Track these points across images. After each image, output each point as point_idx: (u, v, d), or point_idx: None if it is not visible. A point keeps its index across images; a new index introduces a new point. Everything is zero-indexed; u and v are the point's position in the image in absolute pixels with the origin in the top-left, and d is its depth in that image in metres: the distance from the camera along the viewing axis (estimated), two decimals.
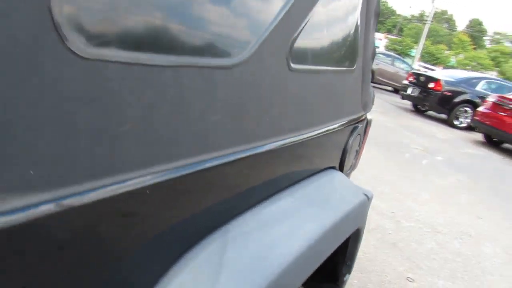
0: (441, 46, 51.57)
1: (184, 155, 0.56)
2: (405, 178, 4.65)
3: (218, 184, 0.67)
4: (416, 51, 33.02)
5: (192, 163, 0.57)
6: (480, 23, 66.78)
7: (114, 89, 0.44)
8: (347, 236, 1.02)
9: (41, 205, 0.38)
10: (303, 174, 0.98)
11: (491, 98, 8.02)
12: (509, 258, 3.18)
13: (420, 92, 9.88)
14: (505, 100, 7.63)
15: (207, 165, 0.60)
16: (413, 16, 65.36)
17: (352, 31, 1.07)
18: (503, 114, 7.47)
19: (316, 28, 0.86)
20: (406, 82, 10.65)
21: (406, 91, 10.45)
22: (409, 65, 16.24)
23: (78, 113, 0.41)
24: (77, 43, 0.38)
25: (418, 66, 21.47)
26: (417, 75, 10.40)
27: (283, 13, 0.71)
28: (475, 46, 57.68)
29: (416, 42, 38.47)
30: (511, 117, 7.28)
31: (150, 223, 0.55)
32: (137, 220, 0.53)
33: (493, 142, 8.41)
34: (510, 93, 8.65)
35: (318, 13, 0.84)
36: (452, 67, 36.89)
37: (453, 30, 64.49)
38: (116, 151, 0.46)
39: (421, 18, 59.52)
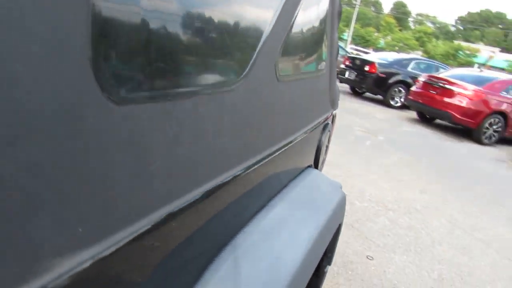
0: (370, 28, 53.90)
1: (202, 181, 0.57)
2: (353, 159, 4.87)
3: (224, 202, 0.68)
4: (348, 35, 34.27)
5: (209, 188, 0.58)
6: (404, 5, 70.56)
7: (146, 129, 0.45)
8: (334, 232, 1.08)
9: (90, 260, 0.38)
10: (288, 177, 1.01)
11: (422, 78, 8.56)
12: (452, 227, 3.46)
13: (356, 75, 10.29)
14: (434, 79, 8.19)
15: (217, 184, 0.62)
16: (342, 0, 67.52)
17: (322, 34, 1.10)
18: (433, 92, 8.02)
19: (295, 37, 0.89)
20: (343, 66, 11.04)
21: (344, 75, 10.84)
22: (344, 49, 16.77)
23: (117, 160, 0.41)
24: (114, 92, 0.39)
25: (350, 49, 22.26)
26: (353, 59, 10.82)
27: (270, 28, 0.73)
28: (400, 28, 60.91)
29: (347, 25, 39.89)
30: (441, 95, 7.83)
31: (165, 252, 0.55)
32: (155, 252, 0.53)
33: (426, 118, 9.00)
34: (438, 72, 9.29)
35: (296, 24, 0.86)
36: (382, 49, 38.70)
37: (380, 13, 67.56)
38: (149, 191, 0.46)
39: (349, 2, 61.66)
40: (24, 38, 0.29)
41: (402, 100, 9.93)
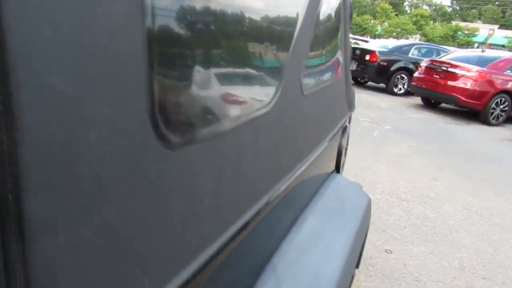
0: (367, 16, 53.56)
1: (244, 210, 0.57)
2: (362, 152, 4.85)
3: (261, 222, 0.68)
4: None
5: (250, 215, 0.58)
6: None
7: (197, 168, 0.46)
8: (364, 237, 1.07)
9: None
10: (315, 187, 1.00)
11: (424, 63, 8.51)
12: (468, 213, 3.44)
13: (358, 65, 10.23)
14: (436, 63, 8.14)
15: (258, 210, 0.61)
16: None
17: (338, 39, 1.10)
18: (436, 76, 7.97)
19: (315, 48, 0.88)
20: None
21: None
22: None
23: (175, 204, 0.42)
24: (170, 138, 0.41)
25: None
26: (353, 49, 10.73)
27: (293, 44, 0.73)
28: (397, 13, 60.50)
29: None
30: (444, 79, 7.78)
31: (212, 282, 0.56)
32: (203, 283, 0.53)
33: (431, 103, 8.95)
34: (440, 56, 9.22)
35: (316, 33, 0.86)
36: (380, 36, 38.45)
37: (375, 0, 67.11)
38: (200, 230, 0.47)
39: None
40: (96, 104, 0.32)
41: (406, 87, 9.89)
